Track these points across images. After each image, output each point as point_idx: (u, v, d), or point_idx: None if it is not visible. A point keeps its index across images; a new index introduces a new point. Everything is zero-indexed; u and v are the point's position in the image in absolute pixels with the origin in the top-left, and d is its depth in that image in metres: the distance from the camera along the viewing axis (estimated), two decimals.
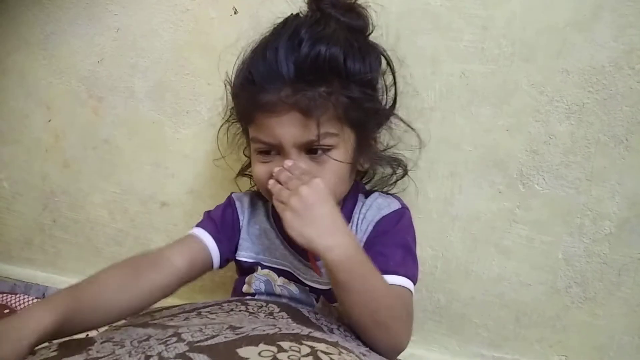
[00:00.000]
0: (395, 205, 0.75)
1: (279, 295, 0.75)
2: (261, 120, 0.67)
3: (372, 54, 0.73)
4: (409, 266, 0.68)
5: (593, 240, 0.84)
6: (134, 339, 0.49)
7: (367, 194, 0.78)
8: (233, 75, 0.73)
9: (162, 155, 1.02)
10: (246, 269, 0.78)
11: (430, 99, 0.85)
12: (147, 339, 0.48)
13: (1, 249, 1.19)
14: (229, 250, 0.77)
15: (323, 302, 0.74)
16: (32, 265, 1.18)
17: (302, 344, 0.46)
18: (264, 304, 0.65)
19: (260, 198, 0.79)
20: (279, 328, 0.50)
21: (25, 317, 0.51)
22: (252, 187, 0.87)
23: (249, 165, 0.82)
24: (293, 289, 0.75)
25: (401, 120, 0.81)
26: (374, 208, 0.74)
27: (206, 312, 0.61)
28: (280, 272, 0.76)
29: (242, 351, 0.43)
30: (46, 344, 0.50)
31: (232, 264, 0.79)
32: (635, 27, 0.75)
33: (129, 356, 0.44)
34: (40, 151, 1.10)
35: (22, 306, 1.07)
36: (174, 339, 0.47)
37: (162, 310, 0.65)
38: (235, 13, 0.91)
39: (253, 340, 0.46)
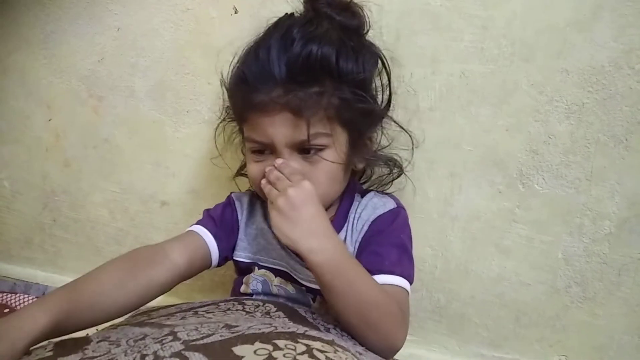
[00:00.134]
0: (390, 205, 0.75)
1: (276, 295, 0.75)
2: (254, 119, 0.67)
3: (367, 53, 0.73)
4: (404, 266, 0.68)
5: (593, 240, 0.83)
6: (130, 338, 0.49)
7: (364, 194, 0.78)
8: (229, 75, 0.73)
9: (162, 155, 1.03)
10: (244, 269, 0.78)
11: (430, 98, 0.84)
12: (143, 338, 0.48)
13: (1, 248, 1.19)
14: (228, 248, 0.77)
15: (320, 302, 0.74)
16: (32, 265, 1.18)
17: (297, 342, 0.46)
18: (261, 304, 0.65)
19: (259, 198, 0.79)
20: (275, 327, 0.50)
21: (21, 317, 0.51)
22: (251, 186, 0.87)
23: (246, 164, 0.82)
24: (290, 289, 0.75)
25: (393, 121, 0.80)
26: (370, 207, 0.74)
27: (203, 311, 0.61)
28: (277, 272, 0.76)
29: (238, 349, 0.43)
30: (43, 343, 0.51)
31: (230, 263, 0.79)
32: (635, 27, 0.75)
33: (125, 355, 0.44)
34: (41, 150, 1.10)
35: (22, 305, 1.07)
36: (170, 337, 0.47)
37: (159, 309, 0.65)
38: (235, 13, 0.91)
39: (249, 339, 0.46)
